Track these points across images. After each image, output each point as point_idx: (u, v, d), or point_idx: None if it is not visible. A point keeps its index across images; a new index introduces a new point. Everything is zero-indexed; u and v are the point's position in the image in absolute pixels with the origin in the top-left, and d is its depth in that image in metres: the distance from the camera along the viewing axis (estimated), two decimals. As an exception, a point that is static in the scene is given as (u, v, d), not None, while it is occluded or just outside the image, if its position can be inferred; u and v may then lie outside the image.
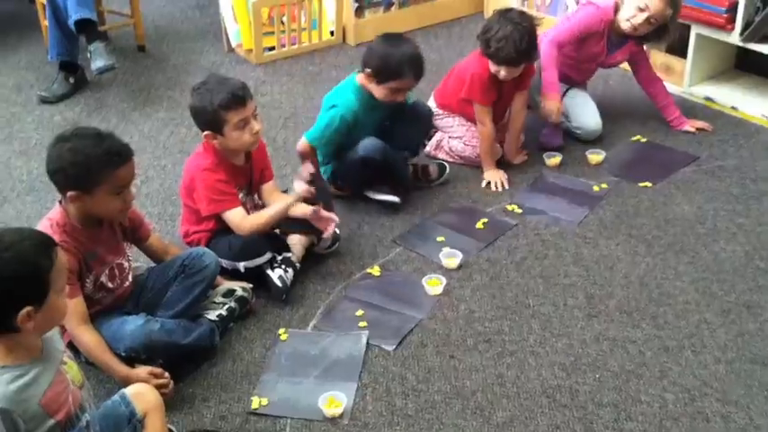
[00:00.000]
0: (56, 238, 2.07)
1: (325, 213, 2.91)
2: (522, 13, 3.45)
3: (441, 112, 3.69)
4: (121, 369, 2.40)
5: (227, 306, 2.69)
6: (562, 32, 3.72)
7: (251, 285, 2.80)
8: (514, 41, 3.31)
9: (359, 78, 3.25)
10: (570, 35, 3.71)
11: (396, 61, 3.14)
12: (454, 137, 3.66)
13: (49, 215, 2.41)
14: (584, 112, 3.88)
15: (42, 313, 1.79)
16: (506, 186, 3.56)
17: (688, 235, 3.25)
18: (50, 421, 1.83)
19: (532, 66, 3.57)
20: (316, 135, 3.26)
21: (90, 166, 2.29)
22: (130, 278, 2.62)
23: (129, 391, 2.15)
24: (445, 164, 3.59)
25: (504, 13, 3.42)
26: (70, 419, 1.89)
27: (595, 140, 3.89)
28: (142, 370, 2.40)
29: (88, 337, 2.40)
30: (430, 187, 3.54)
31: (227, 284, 2.75)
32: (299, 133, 3.88)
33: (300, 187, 2.90)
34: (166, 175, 3.60)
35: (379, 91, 3.20)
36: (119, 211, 2.44)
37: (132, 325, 2.45)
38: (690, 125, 3.97)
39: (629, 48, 3.80)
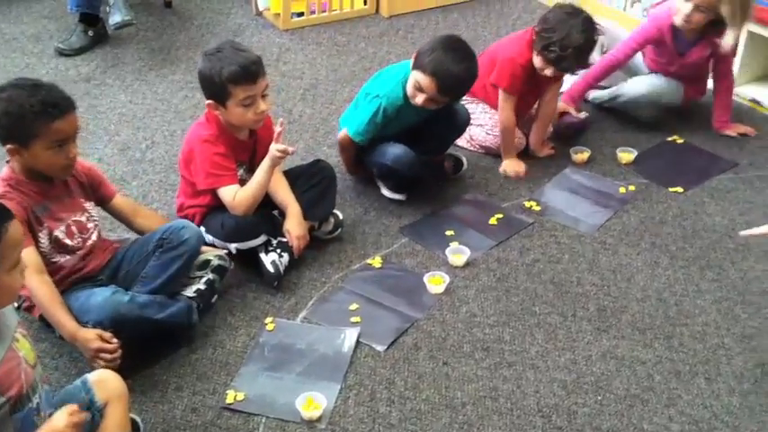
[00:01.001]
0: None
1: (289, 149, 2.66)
2: (591, 21, 3.20)
3: (467, 98, 3.48)
4: (70, 325, 2.27)
5: (204, 279, 2.54)
6: (620, 50, 3.63)
7: (226, 251, 2.65)
8: (579, 54, 3.15)
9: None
10: (629, 50, 3.62)
11: (444, 73, 2.88)
12: (476, 124, 3.46)
13: None
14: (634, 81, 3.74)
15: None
16: (522, 177, 3.38)
17: (716, 249, 3.04)
18: (0, 398, 1.71)
19: None
20: (359, 130, 3.07)
21: (23, 117, 2.20)
22: (94, 237, 2.47)
23: (92, 377, 2.02)
24: (462, 159, 3.39)
25: (572, 16, 3.17)
26: (21, 398, 1.77)
27: (628, 137, 3.66)
28: (90, 330, 2.26)
29: (42, 289, 2.27)
30: (442, 178, 3.35)
31: (201, 256, 2.58)
32: (318, 107, 3.76)
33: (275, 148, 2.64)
34: (174, 141, 3.46)
35: (410, 80, 2.98)
36: (60, 167, 2.33)
37: (100, 297, 2.31)
38: (733, 130, 3.73)
39: (705, 45, 3.54)
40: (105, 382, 2.02)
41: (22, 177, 2.30)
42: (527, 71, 3.28)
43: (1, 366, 1.71)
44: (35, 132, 2.22)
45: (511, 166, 3.40)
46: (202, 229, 2.65)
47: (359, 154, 3.20)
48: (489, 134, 3.44)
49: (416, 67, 2.94)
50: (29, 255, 2.21)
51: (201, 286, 2.53)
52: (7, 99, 2.21)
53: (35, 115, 2.20)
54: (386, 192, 3.19)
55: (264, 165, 2.65)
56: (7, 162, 2.33)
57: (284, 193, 2.79)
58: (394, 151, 3.04)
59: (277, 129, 2.63)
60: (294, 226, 2.75)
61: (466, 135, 3.47)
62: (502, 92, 3.32)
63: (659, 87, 3.68)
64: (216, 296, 2.59)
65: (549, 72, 3.23)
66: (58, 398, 1.98)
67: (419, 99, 2.95)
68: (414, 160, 3.05)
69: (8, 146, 2.25)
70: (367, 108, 3.05)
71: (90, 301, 2.31)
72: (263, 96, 2.62)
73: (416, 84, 2.93)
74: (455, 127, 3.26)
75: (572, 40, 3.12)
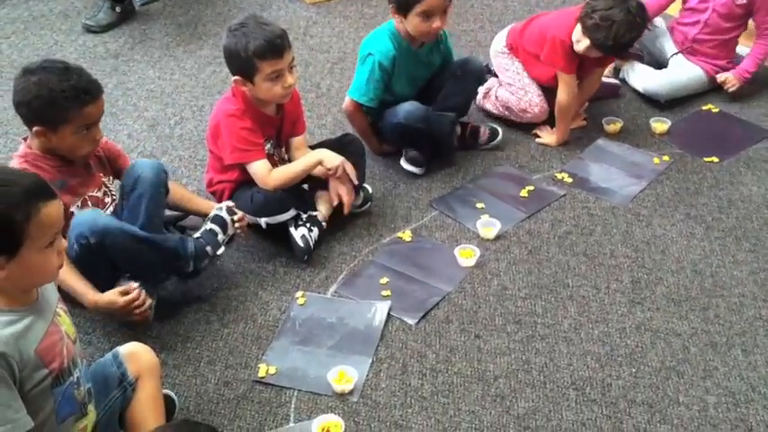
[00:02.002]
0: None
1: (344, 178, 2.72)
2: (643, 8, 3.12)
3: (506, 50, 3.44)
4: (91, 293, 2.29)
5: (202, 229, 2.55)
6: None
7: (231, 203, 2.62)
8: (617, 30, 3.05)
9: (394, 24, 3.02)
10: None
11: None
12: (504, 83, 3.41)
13: (15, 154, 2.33)
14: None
15: (16, 266, 1.65)
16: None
17: (752, 220, 2.98)
18: (44, 371, 1.72)
19: None
20: (360, 91, 3.05)
21: (55, 102, 2.20)
22: (110, 212, 2.48)
23: (123, 350, 2.03)
24: (498, 129, 3.35)
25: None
26: (62, 372, 1.78)
27: (662, 107, 3.60)
28: (110, 292, 2.29)
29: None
30: (476, 149, 3.31)
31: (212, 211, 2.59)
32: (345, 80, 3.73)
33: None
34: (203, 116, 3.45)
35: (411, 25, 2.94)
36: (85, 149, 2.35)
37: (85, 214, 2.32)
38: (740, 79, 3.63)
39: None
40: (137, 356, 2.02)
41: (39, 153, 2.31)
42: (575, 51, 3.22)
43: (44, 340, 1.73)
44: (66, 117, 2.23)
45: (550, 141, 3.37)
46: (231, 203, 2.64)
47: (375, 127, 3.17)
48: (514, 95, 3.38)
49: (408, 7, 2.89)
50: None
51: (199, 235, 2.53)
52: (38, 83, 2.20)
53: (67, 101, 2.21)
54: (404, 163, 3.15)
55: (311, 162, 2.68)
56: (24, 140, 2.34)
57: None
58: (404, 107, 3.01)
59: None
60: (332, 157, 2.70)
61: (492, 97, 3.43)
62: (560, 73, 3.26)
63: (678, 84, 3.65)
64: (221, 248, 2.54)
65: (581, 47, 3.15)
66: (90, 370, 1.99)
67: (437, 22, 2.91)
68: (424, 112, 3.00)
69: (35, 128, 2.25)
70: (363, 69, 3.04)
71: (75, 220, 2.30)
72: (291, 69, 2.59)
73: (422, 15, 2.89)
74: (470, 76, 3.20)
75: (613, 13, 3.03)
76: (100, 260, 2.30)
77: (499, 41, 3.50)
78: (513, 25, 3.53)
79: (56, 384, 1.76)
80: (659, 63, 3.76)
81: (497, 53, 3.48)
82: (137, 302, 2.31)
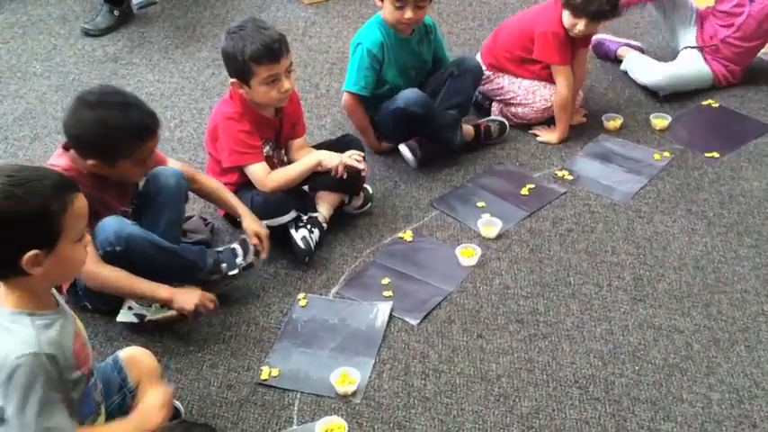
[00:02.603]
0: None
1: (352, 161, 2.71)
2: None
3: (488, 72, 3.42)
4: (163, 290, 2.33)
5: (227, 246, 2.56)
6: None
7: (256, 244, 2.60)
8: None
9: (382, 14, 3.05)
10: None
11: None
12: (506, 101, 3.39)
13: (51, 161, 2.29)
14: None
15: (53, 260, 1.64)
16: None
17: (754, 215, 2.97)
18: (77, 373, 1.73)
19: None
20: (351, 81, 3.09)
21: (114, 141, 2.19)
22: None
23: (123, 355, 2.03)
24: (505, 121, 3.35)
25: None
26: (88, 374, 1.79)
27: (662, 102, 3.60)
28: (183, 290, 2.34)
29: (114, 273, 2.29)
30: (477, 147, 3.30)
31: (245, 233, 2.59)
32: (344, 80, 3.71)
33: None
34: (202, 119, 3.45)
35: (387, 12, 2.99)
36: (137, 178, 2.39)
37: (111, 220, 2.32)
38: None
39: None
40: (136, 360, 2.02)
41: (83, 171, 2.27)
42: (569, 38, 3.23)
43: (75, 342, 1.73)
44: (125, 154, 2.23)
45: (551, 140, 3.36)
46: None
47: (374, 123, 3.18)
48: (527, 106, 3.36)
49: None
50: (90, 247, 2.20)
51: (221, 249, 2.54)
52: (99, 120, 2.17)
53: (128, 139, 2.21)
54: (401, 146, 3.14)
55: (310, 163, 2.69)
56: (64, 149, 2.29)
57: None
58: (404, 93, 3.03)
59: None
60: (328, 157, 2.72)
61: (508, 113, 3.41)
62: (555, 67, 3.26)
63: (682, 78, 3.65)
64: (235, 270, 2.52)
65: (580, 27, 3.15)
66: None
67: (408, 13, 2.94)
68: (424, 98, 3.02)
69: (90, 161, 2.23)
70: (353, 59, 3.09)
71: (101, 226, 2.30)
72: (288, 74, 2.59)
73: (395, 3, 2.93)
74: (467, 73, 3.19)
75: None
76: (122, 266, 2.31)
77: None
78: (483, 45, 3.52)
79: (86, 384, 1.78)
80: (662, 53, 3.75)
81: (483, 78, 3.43)
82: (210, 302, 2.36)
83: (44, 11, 4.31)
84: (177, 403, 2.20)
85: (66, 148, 2.29)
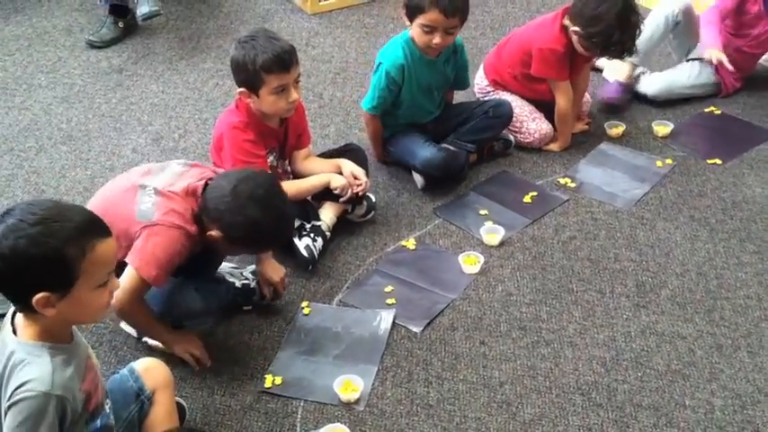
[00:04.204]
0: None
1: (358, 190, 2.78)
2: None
3: (490, 88, 3.44)
4: (168, 337, 2.36)
5: (247, 284, 2.57)
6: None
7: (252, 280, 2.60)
8: (620, 36, 3.08)
9: (410, 32, 3.02)
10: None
11: None
12: (525, 120, 3.35)
13: (169, 205, 2.25)
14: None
15: (67, 303, 1.61)
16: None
17: (757, 221, 2.98)
18: (84, 410, 1.71)
19: None
20: (367, 99, 3.09)
21: (264, 239, 2.31)
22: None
23: (138, 365, 2.03)
24: (510, 137, 3.36)
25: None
26: (97, 407, 1.77)
27: (664, 109, 3.61)
28: (185, 342, 2.36)
29: (143, 314, 2.30)
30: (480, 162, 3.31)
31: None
32: (348, 90, 3.75)
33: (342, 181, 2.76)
34: (206, 129, 3.46)
35: (415, 34, 2.96)
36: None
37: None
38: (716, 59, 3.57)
39: None
40: (153, 371, 2.02)
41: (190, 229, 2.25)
42: (567, 55, 3.22)
43: (86, 377, 1.71)
44: (264, 247, 2.45)
45: (561, 147, 3.37)
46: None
47: (386, 145, 3.21)
48: (517, 131, 3.36)
49: (412, 15, 2.92)
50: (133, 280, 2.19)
51: (241, 285, 2.56)
52: (248, 220, 2.19)
53: (272, 240, 2.37)
54: (415, 173, 3.16)
55: (320, 182, 2.75)
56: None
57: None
58: (423, 154, 3.03)
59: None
60: (338, 178, 2.78)
61: (523, 132, 3.38)
62: (554, 82, 3.27)
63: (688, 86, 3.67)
64: (250, 306, 2.58)
65: (588, 53, 3.20)
66: (108, 387, 2.01)
67: (437, 39, 2.91)
68: (443, 162, 3.03)
69: (214, 233, 2.24)
70: (374, 77, 3.08)
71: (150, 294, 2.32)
72: (296, 84, 2.61)
73: (423, 28, 2.90)
74: (498, 119, 3.23)
75: (609, 19, 3.03)
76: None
77: (481, 80, 3.50)
78: (486, 61, 3.52)
79: (90, 420, 1.75)
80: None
81: (484, 93, 3.46)
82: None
83: (49, 23, 4.34)
84: (181, 401, 2.20)
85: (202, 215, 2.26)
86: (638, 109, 3.64)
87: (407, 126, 3.15)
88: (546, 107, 3.36)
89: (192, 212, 2.24)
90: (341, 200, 2.78)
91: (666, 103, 3.65)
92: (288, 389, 2.31)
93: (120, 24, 4.18)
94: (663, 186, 3.16)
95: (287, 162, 2.83)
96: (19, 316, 1.68)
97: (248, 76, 2.57)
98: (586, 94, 3.53)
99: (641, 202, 3.08)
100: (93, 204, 2.28)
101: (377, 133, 3.18)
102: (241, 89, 2.62)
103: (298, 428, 2.20)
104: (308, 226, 2.74)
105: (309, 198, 2.83)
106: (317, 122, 3.51)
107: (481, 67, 3.51)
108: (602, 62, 3.77)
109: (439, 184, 3.12)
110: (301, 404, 2.27)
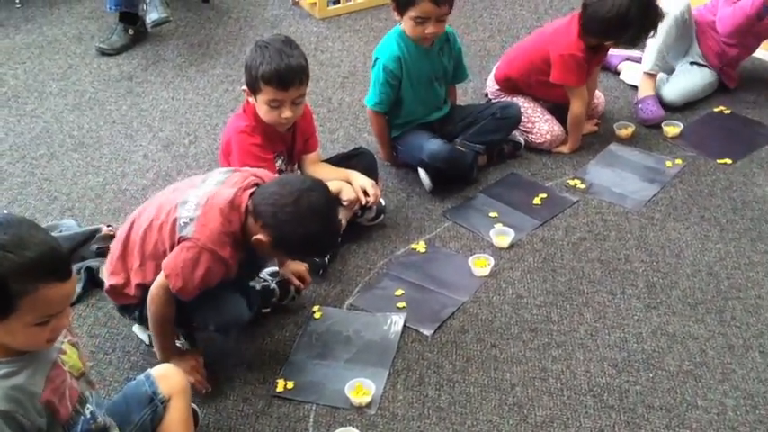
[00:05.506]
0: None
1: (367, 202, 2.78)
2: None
3: (501, 93, 3.44)
4: (164, 355, 2.30)
5: (267, 285, 2.57)
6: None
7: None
8: (639, 29, 3.11)
9: (401, 25, 3.05)
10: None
11: None
12: (537, 121, 3.36)
13: (210, 213, 2.19)
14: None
15: (2, 330, 1.57)
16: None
17: (767, 220, 2.97)
18: (51, 420, 1.67)
19: None
20: (370, 96, 3.11)
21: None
22: None
23: (155, 372, 2.03)
24: (520, 140, 3.36)
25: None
26: (71, 416, 1.74)
27: (673, 110, 3.60)
28: (184, 362, 2.28)
29: (164, 309, 2.23)
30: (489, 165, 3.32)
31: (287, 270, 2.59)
32: (356, 94, 3.76)
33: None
34: (216, 135, 3.48)
35: (407, 27, 2.99)
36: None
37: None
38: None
39: None
40: (168, 377, 2.02)
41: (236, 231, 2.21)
42: (586, 60, 3.22)
43: (48, 386, 1.66)
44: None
45: (571, 149, 3.38)
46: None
47: (395, 145, 3.21)
48: (528, 132, 3.36)
49: (403, 9, 2.95)
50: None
51: (261, 288, 2.56)
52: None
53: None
54: (421, 173, 3.15)
55: (331, 189, 2.66)
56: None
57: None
58: (429, 146, 3.03)
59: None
60: (348, 190, 2.76)
61: (535, 133, 3.38)
62: (571, 89, 3.26)
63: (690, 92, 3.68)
64: (269, 309, 2.58)
65: (607, 43, 3.22)
66: (118, 395, 2.03)
67: (430, 28, 2.93)
68: (449, 154, 3.04)
69: (261, 236, 2.19)
70: (372, 73, 3.10)
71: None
72: (294, 104, 2.60)
73: (416, 19, 2.93)
74: (507, 120, 3.23)
75: (622, 8, 3.04)
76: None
77: (492, 84, 3.51)
78: (497, 67, 3.51)
79: (67, 429, 1.73)
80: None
81: (497, 95, 3.46)
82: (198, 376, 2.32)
83: (59, 31, 4.37)
84: (194, 406, 2.20)
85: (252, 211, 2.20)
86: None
87: (415, 126, 3.16)
88: (557, 109, 3.37)
89: (231, 228, 2.18)
90: (344, 203, 2.76)
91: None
92: (300, 393, 2.32)
93: (130, 32, 4.20)
94: (673, 187, 3.16)
95: (296, 166, 2.83)
96: None
97: (250, 80, 2.60)
98: (599, 93, 3.53)
99: (651, 202, 3.07)
100: (139, 216, 2.29)
101: (382, 131, 3.18)
102: (244, 87, 2.66)
103: (310, 432, 2.22)
104: (318, 230, 2.75)
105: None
106: (326, 126, 3.52)
107: (492, 74, 3.51)
108: (620, 65, 3.82)
109: (446, 184, 3.12)
110: (313, 408, 2.28)
